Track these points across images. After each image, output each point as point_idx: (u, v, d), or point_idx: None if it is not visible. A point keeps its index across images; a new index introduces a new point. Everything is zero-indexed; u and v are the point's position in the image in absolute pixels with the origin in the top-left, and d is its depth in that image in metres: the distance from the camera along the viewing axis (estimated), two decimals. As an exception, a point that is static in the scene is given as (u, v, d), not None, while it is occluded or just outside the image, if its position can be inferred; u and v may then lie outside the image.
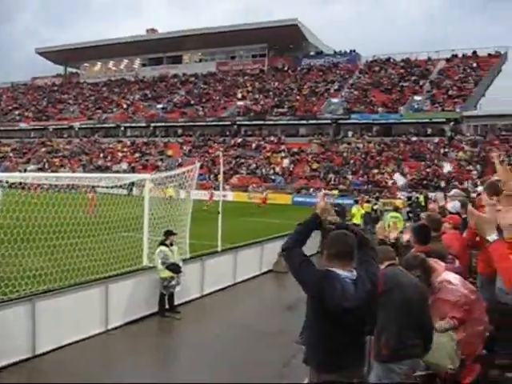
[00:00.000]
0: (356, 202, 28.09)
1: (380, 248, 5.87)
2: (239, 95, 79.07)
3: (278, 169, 62.05)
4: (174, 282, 12.92)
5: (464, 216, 9.36)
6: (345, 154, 61.35)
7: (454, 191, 13.89)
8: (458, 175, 51.18)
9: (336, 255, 4.40)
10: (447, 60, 72.39)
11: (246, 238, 20.87)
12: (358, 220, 24.95)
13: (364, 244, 4.74)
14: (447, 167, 51.47)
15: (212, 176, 61.04)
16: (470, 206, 4.47)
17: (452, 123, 60.07)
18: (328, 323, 4.30)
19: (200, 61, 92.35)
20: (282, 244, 4.68)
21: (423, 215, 12.33)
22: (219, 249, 16.42)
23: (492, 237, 3.82)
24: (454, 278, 5.84)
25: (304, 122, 69.32)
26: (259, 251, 18.00)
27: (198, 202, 39.63)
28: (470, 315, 5.68)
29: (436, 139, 59.38)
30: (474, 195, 17.32)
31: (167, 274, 12.83)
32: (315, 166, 60.61)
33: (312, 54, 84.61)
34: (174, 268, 12.89)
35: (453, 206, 10.16)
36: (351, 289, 4.28)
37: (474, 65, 68.52)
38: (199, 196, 42.10)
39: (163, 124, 79.84)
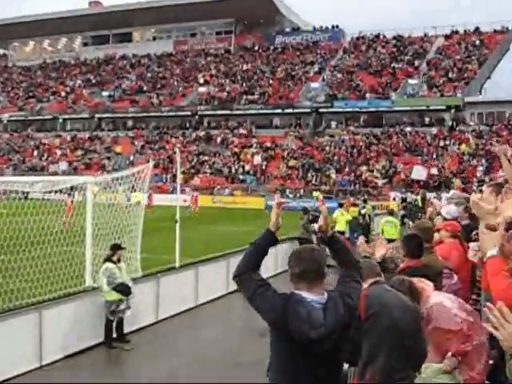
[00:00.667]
0: (340, 205, 28.22)
1: (361, 262, 5.84)
2: (201, 80, 78.95)
3: (248, 167, 62.09)
4: (122, 306, 12.80)
5: (464, 222, 9.40)
6: (327, 149, 61.65)
7: (452, 193, 13.96)
8: (460, 172, 51.70)
9: (301, 275, 4.36)
10: (446, 37, 73.23)
11: (210, 250, 20.80)
12: (342, 227, 25.08)
13: (346, 261, 4.74)
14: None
15: (169, 177, 60.80)
16: (473, 196, 4.54)
17: (453, 111, 60.79)
18: (294, 356, 4.27)
19: (154, 39, 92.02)
20: (234, 270, 4.64)
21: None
22: (177, 264, 16.33)
23: (491, 252, 3.91)
24: (447, 299, 5.82)
25: (279, 111, 69.56)
26: (225, 266, 17.91)
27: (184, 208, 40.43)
28: (472, 342, 5.68)
29: (434, 130, 59.98)
30: (478, 196, 17.43)
31: (114, 296, 12.70)
32: (292, 163, 60.80)
33: (287, 30, 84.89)
34: (123, 289, 12.77)
35: (448, 210, 10.19)
36: (319, 315, 4.23)
37: (478, 42, 69.42)
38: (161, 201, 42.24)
39: (110, 115, 79.37)
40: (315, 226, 22.27)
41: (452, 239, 8.33)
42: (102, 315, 12.78)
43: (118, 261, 13.02)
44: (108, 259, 12.95)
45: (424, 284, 5.86)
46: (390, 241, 24.24)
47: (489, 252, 3.97)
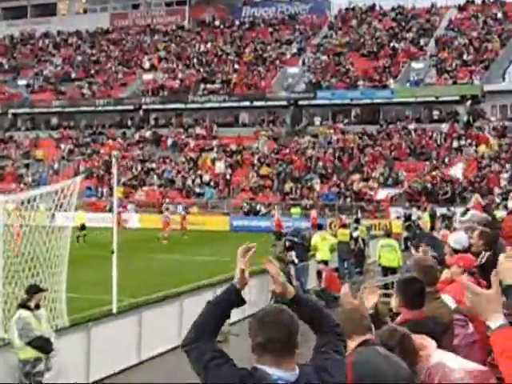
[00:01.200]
0: (319, 227, 28.06)
1: (346, 313, 5.75)
2: (146, 64, 78.77)
3: (207, 177, 61.89)
4: (40, 367, 12.58)
5: (484, 254, 9.30)
6: (309, 152, 61.63)
7: (470, 214, 13.87)
8: (479, 181, 51.87)
9: (265, 346, 4.22)
10: (460, 8, 73.85)
11: (157, 288, 20.66)
12: (325, 255, 24.90)
13: (321, 325, 4.64)
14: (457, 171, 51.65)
15: (106, 190, 60.33)
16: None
17: (469, 102, 61.12)
18: None
19: (85, 12, 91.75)
20: (184, 337, 4.57)
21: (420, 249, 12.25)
22: (114, 308, 16.16)
23: (497, 321, 3.78)
24: (452, 358, 5.74)
25: (247, 104, 69.46)
26: (177, 310, 17.81)
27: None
28: None
29: (445, 127, 60.21)
30: (502, 214, 17.38)
31: (31, 353, 12.48)
32: (265, 171, 60.70)
33: (257, 0, 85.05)
34: (41, 344, 12.55)
35: (456, 239, 10.04)
36: None
37: (500, 15, 70.06)
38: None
39: (28, 110, 78.73)
40: (293, 256, 22.25)
41: (466, 277, 8.24)
42: (16, 378, 12.58)
43: (37, 307, 12.78)
44: (23, 305, 12.72)
45: (424, 340, 5.78)
46: (389, 269, 24.43)
47: (492, 322, 3.83)
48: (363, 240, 29.85)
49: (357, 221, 33.28)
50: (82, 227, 40.32)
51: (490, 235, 9.85)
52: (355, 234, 29.24)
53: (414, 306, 6.61)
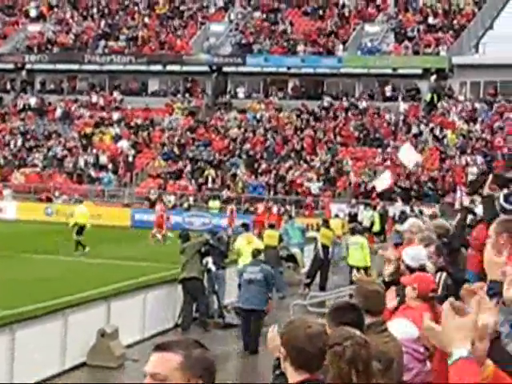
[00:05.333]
0: (245, 227, 27.80)
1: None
2: (33, 12, 77.88)
3: (104, 158, 61.49)
4: None
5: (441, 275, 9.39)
6: (234, 132, 61.62)
7: (410, 221, 13.61)
8: (441, 176, 52.32)
9: None
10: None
11: (37, 297, 20.45)
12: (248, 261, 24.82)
13: None
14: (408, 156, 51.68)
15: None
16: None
17: (433, 77, 61.59)
18: None
19: None
20: None
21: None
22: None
23: (460, 351, 3.78)
24: None
25: (158, 68, 69.18)
26: (60, 327, 17.64)
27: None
28: None
29: (404, 106, 60.68)
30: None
31: None
32: (178, 151, 60.52)
33: None
34: None
35: (414, 255, 9.80)
36: None
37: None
38: None
39: None
40: (210, 262, 22.18)
41: (420, 303, 8.11)
42: None
43: None
44: None
45: None
46: (356, 269, 24.96)
47: (455, 350, 3.81)
48: (325, 247, 29.00)
49: (290, 217, 33.65)
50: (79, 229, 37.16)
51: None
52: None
53: None
